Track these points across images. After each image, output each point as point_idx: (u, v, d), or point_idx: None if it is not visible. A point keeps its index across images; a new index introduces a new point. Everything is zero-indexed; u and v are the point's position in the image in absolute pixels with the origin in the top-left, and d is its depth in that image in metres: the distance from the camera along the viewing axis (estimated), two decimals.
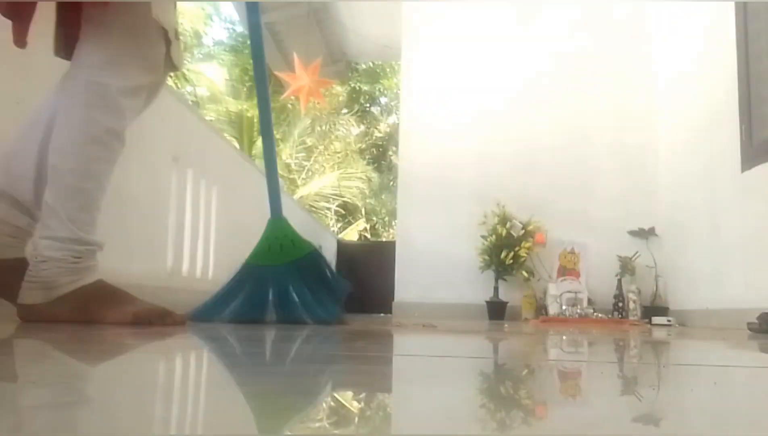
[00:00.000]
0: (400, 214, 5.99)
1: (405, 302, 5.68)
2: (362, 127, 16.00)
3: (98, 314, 1.66)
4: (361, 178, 14.46)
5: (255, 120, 13.51)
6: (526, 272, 5.37)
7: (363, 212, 15.26)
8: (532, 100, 5.84)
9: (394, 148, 13.85)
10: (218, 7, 16.14)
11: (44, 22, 1.84)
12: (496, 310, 5.32)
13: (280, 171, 13.04)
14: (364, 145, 15.99)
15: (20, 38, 1.70)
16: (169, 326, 1.73)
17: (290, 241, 2.36)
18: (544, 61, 5.87)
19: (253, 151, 13.08)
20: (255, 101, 13.52)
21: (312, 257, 2.37)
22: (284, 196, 6.63)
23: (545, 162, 5.68)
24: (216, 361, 1.10)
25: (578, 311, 4.95)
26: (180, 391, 0.71)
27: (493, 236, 5.32)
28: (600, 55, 5.82)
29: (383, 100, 16.96)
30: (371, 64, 14.82)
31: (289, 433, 0.49)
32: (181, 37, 1.93)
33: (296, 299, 2.18)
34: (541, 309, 5.30)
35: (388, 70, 15.26)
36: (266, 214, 2.57)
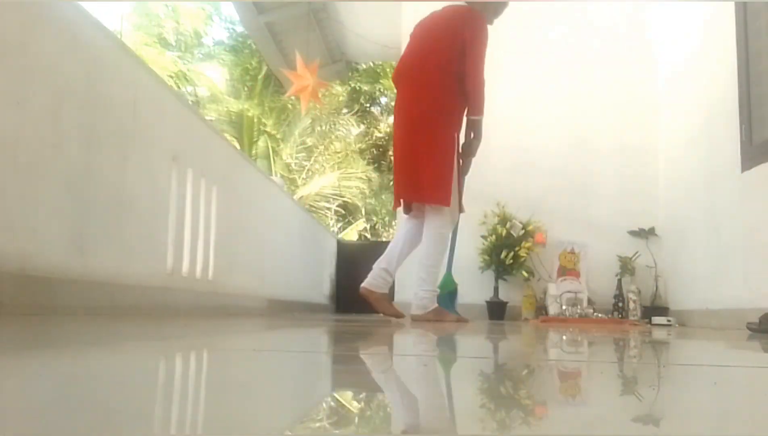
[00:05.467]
0: (400, 214, 5.98)
1: (405, 302, 5.66)
2: (362, 127, 15.99)
3: None
4: (361, 178, 14.45)
5: (255, 120, 13.52)
6: (526, 272, 5.36)
7: (363, 212, 15.26)
8: (533, 101, 5.83)
9: None
10: (218, 7, 16.15)
11: None
12: (496, 310, 5.32)
13: (280, 171, 13.07)
14: (364, 145, 15.98)
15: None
16: None
17: (451, 279, 4.08)
18: (544, 61, 5.87)
19: (254, 151, 13.08)
20: (255, 101, 13.58)
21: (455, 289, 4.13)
22: (284, 197, 6.64)
23: (545, 162, 5.67)
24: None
25: (578, 311, 4.95)
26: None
27: (493, 236, 5.32)
28: (600, 55, 5.82)
29: (383, 100, 16.96)
30: (371, 64, 14.81)
31: (290, 433, 0.49)
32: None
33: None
34: (541, 309, 5.29)
35: (388, 70, 15.25)
36: (266, 214, 2.59)
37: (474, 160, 3.87)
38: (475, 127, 3.70)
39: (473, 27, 3.55)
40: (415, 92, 3.60)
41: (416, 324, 3.28)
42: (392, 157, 4.03)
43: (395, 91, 3.85)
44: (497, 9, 3.83)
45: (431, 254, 3.60)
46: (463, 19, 3.60)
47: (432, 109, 3.54)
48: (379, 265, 3.67)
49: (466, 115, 3.69)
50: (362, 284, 3.64)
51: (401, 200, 3.78)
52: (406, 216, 3.87)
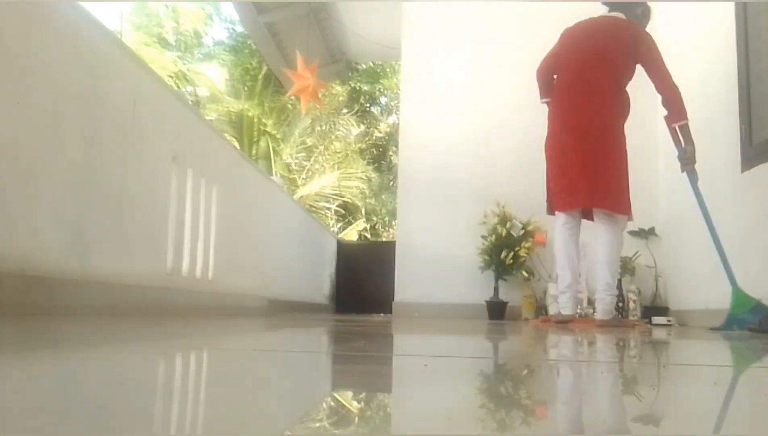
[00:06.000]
0: (400, 215, 5.98)
1: (405, 302, 5.68)
2: (362, 127, 15.99)
3: None
4: (361, 178, 14.45)
5: (255, 120, 13.52)
6: (526, 272, 5.36)
7: (363, 212, 15.25)
8: (532, 100, 5.81)
9: (394, 148, 13.84)
10: (218, 7, 16.16)
11: None
12: (496, 310, 5.31)
13: (280, 171, 13.06)
14: (364, 145, 15.99)
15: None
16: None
17: (744, 296, 3.51)
18: None
19: (254, 151, 13.08)
20: (255, 101, 13.57)
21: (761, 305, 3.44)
22: (284, 197, 6.64)
23: (546, 162, 5.66)
24: None
25: (578, 311, 4.94)
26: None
27: (493, 236, 5.31)
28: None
29: (383, 100, 16.96)
30: (371, 64, 14.81)
31: (290, 433, 0.49)
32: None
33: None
34: (541, 309, 5.29)
35: (388, 70, 15.26)
36: (266, 214, 2.58)
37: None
38: (684, 133, 3.78)
39: (645, 40, 3.79)
40: (594, 103, 3.83)
41: (603, 329, 3.40)
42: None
43: (559, 94, 3.98)
44: (646, 15, 4.02)
45: (616, 259, 3.85)
46: (630, 34, 3.81)
47: (613, 120, 3.85)
48: (571, 289, 3.97)
49: (670, 124, 3.84)
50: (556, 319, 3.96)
51: (570, 206, 3.91)
52: (562, 225, 3.97)
